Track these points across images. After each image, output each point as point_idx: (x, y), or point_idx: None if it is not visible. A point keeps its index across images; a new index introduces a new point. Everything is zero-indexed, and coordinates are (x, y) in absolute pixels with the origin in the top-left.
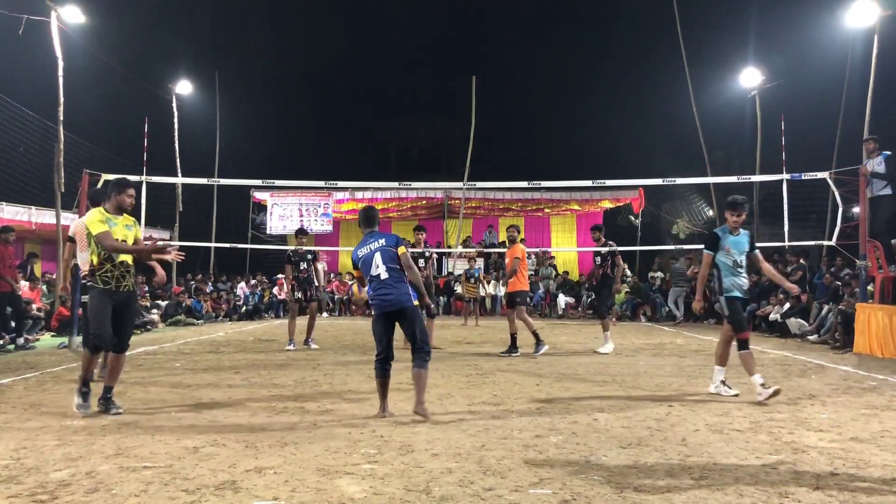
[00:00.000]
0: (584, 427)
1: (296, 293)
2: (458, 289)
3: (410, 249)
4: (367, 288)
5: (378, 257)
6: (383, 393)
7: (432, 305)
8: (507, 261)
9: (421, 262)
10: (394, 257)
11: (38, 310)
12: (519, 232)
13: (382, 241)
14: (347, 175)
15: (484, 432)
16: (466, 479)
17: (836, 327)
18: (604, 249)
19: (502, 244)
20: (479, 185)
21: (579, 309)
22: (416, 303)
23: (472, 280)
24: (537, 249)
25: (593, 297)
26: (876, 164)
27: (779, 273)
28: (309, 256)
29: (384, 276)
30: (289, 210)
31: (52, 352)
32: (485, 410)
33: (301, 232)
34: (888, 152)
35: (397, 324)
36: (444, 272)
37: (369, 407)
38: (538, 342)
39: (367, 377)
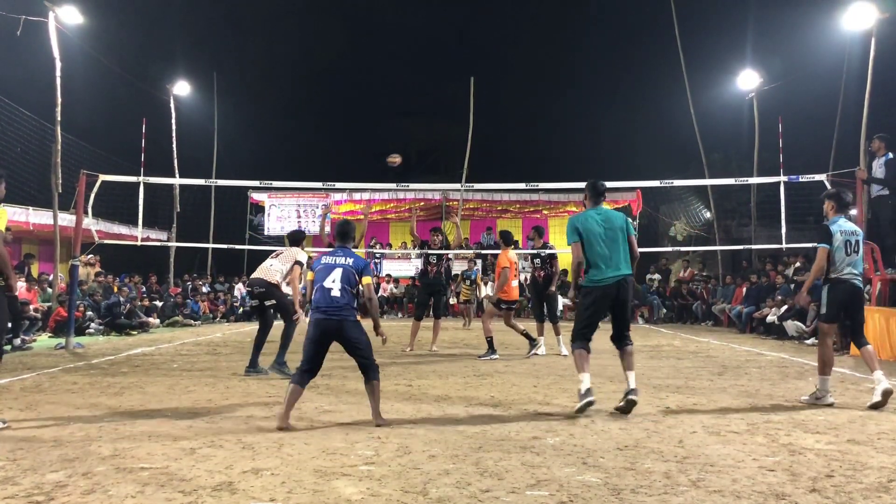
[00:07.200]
0: (581, 429)
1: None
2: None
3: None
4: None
5: (338, 273)
6: (291, 403)
7: (385, 336)
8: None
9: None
10: (353, 282)
11: (35, 311)
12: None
13: (350, 261)
14: (345, 176)
15: (481, 434)
16: (463, 481)
17: None
18: (544, 252)
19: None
20: (477, 186)
21: None
22: (358, 317)
23: (469, 282)
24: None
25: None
26: (878, 166)
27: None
28: None
29: (336, 293)
30: (286, 211)
31: (49, 353)
32: (482, 412)
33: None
34: (892, 154)
35: (338, 345)
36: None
37: (366, 409)
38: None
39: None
